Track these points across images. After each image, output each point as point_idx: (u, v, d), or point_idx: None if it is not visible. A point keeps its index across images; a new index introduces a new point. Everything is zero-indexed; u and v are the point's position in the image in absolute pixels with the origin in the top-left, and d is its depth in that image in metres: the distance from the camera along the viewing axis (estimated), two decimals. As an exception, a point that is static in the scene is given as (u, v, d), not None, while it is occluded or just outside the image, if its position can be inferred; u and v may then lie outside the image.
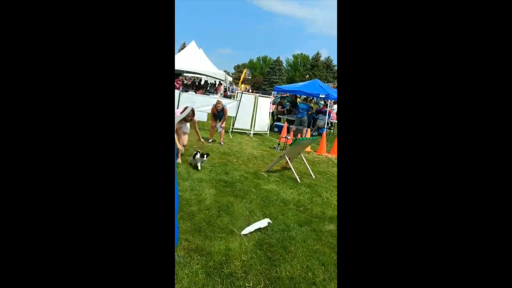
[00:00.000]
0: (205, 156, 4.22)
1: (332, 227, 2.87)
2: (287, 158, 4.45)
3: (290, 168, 4.44)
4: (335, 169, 5.44)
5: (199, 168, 4.16)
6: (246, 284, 1.87)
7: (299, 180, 4.25)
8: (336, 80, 37.73)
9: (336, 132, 9.73)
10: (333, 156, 6.59)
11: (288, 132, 7.69)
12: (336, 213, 3.25)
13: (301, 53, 57.15)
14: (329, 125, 10.53)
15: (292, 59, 57.04)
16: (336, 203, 3.56)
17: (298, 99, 11.97)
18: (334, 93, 9.50)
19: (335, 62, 48.84)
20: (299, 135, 7.56)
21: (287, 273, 2.03)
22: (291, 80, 45.44)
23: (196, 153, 4.23)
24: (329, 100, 9.60)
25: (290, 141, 5.95)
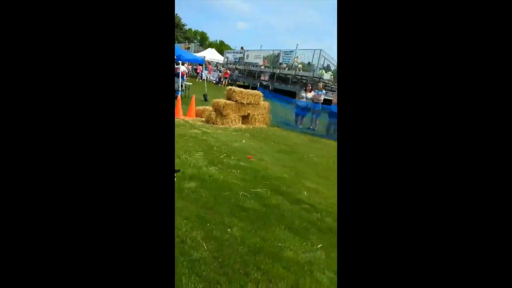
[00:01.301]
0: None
1: (192, 184, 3.06)
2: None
3: (145, 134, 4.23)
4: (192, 130, 5.61)
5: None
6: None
7: (156, 145, 4.14)
8: (187, 41, 36.75)
9: (190, 94, 9.78)
10: (190, 118, 6.71)
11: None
12: (196, 171, 3.45)
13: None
14: (183, 87, 10.43)
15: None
16: (194, 163, 3.76)
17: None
18: (185, 54, 9.34)
19: (184, 21, 47.00)
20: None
21: (150, 234, 2.07)
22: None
23: None
24: (180, 62, 9.38)
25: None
